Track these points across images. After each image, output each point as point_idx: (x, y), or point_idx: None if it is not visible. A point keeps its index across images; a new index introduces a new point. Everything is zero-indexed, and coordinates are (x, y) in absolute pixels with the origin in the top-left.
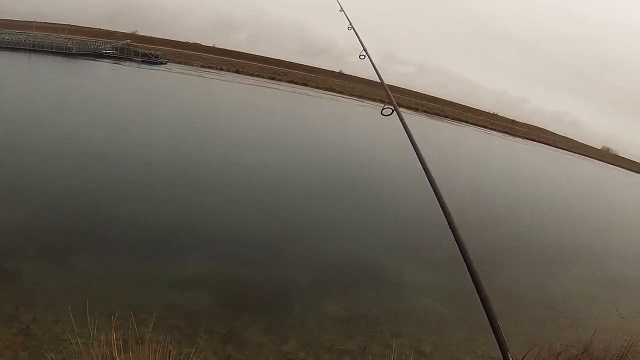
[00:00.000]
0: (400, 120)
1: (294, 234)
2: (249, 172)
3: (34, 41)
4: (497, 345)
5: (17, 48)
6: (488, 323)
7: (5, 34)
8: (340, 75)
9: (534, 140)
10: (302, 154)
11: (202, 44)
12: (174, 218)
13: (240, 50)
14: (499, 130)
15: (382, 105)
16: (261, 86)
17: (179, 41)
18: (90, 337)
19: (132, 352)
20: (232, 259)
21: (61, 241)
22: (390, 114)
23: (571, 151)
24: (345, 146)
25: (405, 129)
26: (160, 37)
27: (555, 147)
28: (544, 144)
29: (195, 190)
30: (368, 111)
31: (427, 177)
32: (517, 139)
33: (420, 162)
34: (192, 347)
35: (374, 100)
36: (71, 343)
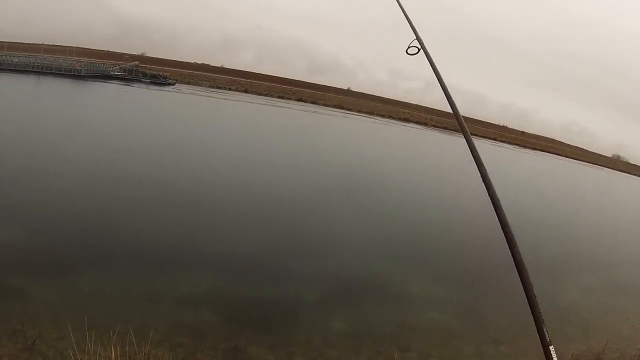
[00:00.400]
0: (427, 58)
1: (300, 250)
2: (254, 189)
3: (43, 63)
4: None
5: (26, 70)
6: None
7: (14, 56)
8: (349, 92)
9: (544, 151)
10: (302, 171)
11: (211, 64)
12: (180, 235)
13: (248, 70)
14: (509, 142)
15: (407, 45)
16: (274, 105)
17: (187, 62)
18: (94, 354)
19: None
20: (239, 276)
21: (67, 259)
22: (417, 52)
23: (582, 160)
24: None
25: (432, 68)
26: (168, 58)
27: (566, 157)
28: (555, 154)
29: (201, 208)
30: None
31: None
32: (528, 150)
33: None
34: None
35: (383, 116)
36: (76, 359)
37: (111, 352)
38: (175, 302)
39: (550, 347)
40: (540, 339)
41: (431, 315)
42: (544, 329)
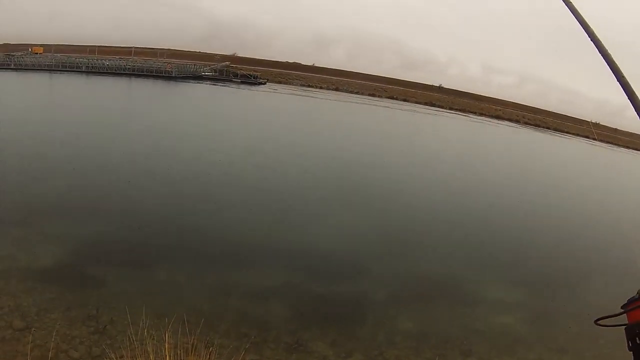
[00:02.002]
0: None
1: (374, 249)
2: (341, 189)
3: (134, 66)
4: None
5: (117, 73)
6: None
7: (105, 60)
8: (440, 89)
9: (637, 150)
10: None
11: (302, 63)
12: (261, 232)
13: (339, 68)
14: (601, 140)
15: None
16: (366, 104)
17: (278, 61)
18: (162, 341)
19: (200, 356)
20: (311, 273)
21: (143, 251)
22: None
23: None
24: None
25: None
26: (259, 58)
27: None
28: None
29: (286, 206)
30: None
31: None
32: (621, 149)
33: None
34: (257, 355)
35: (474, 113)
36: (143, 344)
37: (178, 339)
38: (247, 295)
39: None
40: None
41: (500, 320)
42: None
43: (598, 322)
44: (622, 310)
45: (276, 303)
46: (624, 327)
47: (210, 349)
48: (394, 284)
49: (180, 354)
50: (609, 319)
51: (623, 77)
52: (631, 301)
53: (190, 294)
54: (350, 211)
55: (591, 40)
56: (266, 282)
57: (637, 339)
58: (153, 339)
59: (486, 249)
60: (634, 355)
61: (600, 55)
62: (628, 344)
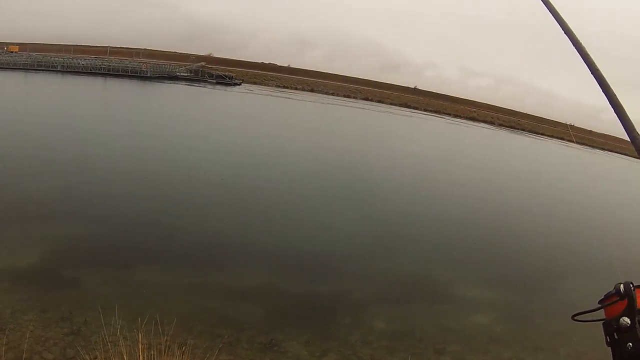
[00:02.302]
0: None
1: (349, 250)
2: (308, 188)
3: (109, 65)
4: None
5: (92, 72)
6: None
7: (80, 59)
8: (415, 90)
9: (612, 152)
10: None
11: (277, 64)
12: (233, 232)
13: (317, 70)
14: (577, 142)
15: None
16: (342, 105)
17: (254, 62)
18: (137, 342)
19: (173, 356)
20: (287, 274)
21: (120, 252)
22: None
23: None
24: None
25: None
26: (235, 59)
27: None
28: (623, 154)
29: (262, 207)
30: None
31: None
32: (596, 150)
33: None
34: (231, 355)
35: (449, 114)
36: (117, 345)
37: (152, 340)
38: (221, 295)
39: None
40: None
41: (475, 319)
42: None
43: (575, 317)
44: (599, 306)
45: (250, 303)
46: (601, 322)
47: (184, 348)
48: (370, 284)
49: (153, 354)
50: (586, 314)
51: (597, 70)
52: (608, 296)
53: (164, 295)
54: (325, 213)
55: (565, 34)
56: (241, 282)
57: (615, 334)
58: (127, 339)
59: (462, 249)
60: (612, 350)
61: (574, 49)
62: (606, 339)
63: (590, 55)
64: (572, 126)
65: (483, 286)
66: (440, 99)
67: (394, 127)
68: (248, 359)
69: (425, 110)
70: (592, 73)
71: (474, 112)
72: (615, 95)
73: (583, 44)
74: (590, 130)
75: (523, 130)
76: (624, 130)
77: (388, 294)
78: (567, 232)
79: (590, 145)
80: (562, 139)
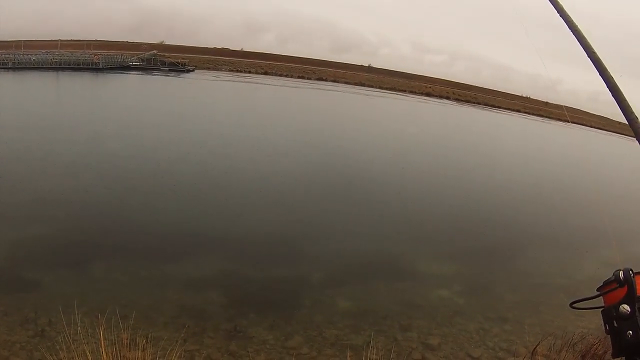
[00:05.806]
0: None
1: (307, 231)
2: (261, 173)
3: (60, 59)
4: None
5: (43, 67)
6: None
7: (31, 54)
8: (370, 68)
9: (568, 122)
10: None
11: (230, 48)
12: (185, 221)
13: (269, 52)
14: (532, 114)
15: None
16: (294, 87)
17: (206, 47)
18: (102, 339)
19: (140, 350)
20: (246, 260)
21: (77, 249)
22: None
23: (607, 130)
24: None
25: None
26: (188, 45)
27: (591, 127)
28: (579, 124)
29: (208, 192)
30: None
31: None
32: (552, 121)
33: None
34: (197, 345)
35: (404, 91)
36: (83, 343)
37: (114, 335)
38: (182, 285)
39: None
40: None
41: (438, 293)
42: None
43: (573, 305)
44: (598, 293)
45: (212, 292)
46: (600, 310)
47: (144, 341)
48: (330, 265)
49: (117, 349)
50: (585, 302)
51: (594, 53)
52: (606, 283)
53: (124, 290)
54: (280, 195)
55: (561, 17)
56: (200, 272)
57: (615, 321)
58: (89, 337)
59: (422, 225)
60: (611, 338)
61: (569, 30)
62: (605, 327)
63: (586, 37)
64: (527, 98)
65: (444, 260)
66: (395, 75)
67: (345, 107)
68: (214, 347)
69: (380, 88)
70: (588, 56)
71: (429, 87)
72: (613, 77)
73: (579, 27)
74: (546, 102)
75: (478, 103)
76: (621, 112)
77: (349, 273)
78: (526, 202)
79: (545, 116)
80: (518, 111)
